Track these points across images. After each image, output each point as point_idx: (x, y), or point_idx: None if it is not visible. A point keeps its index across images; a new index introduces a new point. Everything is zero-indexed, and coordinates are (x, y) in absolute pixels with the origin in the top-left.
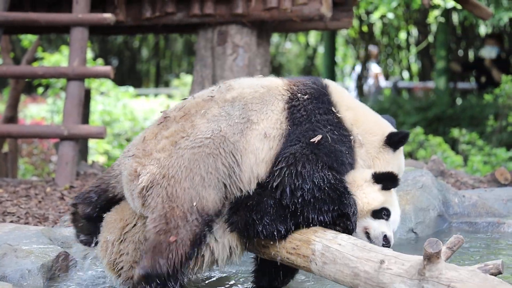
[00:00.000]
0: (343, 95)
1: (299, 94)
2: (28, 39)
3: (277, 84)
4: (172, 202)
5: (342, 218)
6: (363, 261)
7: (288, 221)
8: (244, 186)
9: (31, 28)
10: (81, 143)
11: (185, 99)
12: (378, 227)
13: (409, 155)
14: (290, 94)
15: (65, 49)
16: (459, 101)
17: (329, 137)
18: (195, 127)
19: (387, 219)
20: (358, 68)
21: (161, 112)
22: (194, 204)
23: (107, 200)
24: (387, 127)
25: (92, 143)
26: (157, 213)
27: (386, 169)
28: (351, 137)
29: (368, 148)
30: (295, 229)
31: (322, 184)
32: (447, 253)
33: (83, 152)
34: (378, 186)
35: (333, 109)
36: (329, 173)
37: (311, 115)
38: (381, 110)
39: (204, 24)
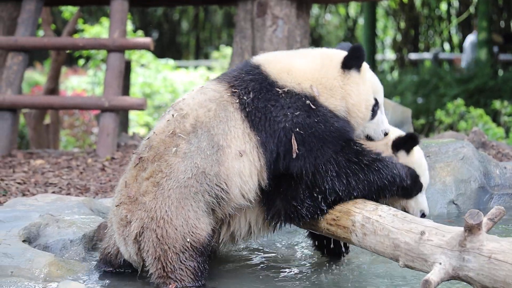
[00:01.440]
0: (276, 63)
1: (244, 97)
2: (69, 11)
3: (220, 91)
4: (163, 244)
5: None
6: (403, 232)
7: (327, 199)
8: (237, 203)
9: (72, 0)
10: (121, 114)
11: (148, 138)
12: (415, 205)
13: (450, 127)
14: (237, 99)
15: (105, 21)
16: (500, 72)
17: (297, 127)
18: (171, 166)
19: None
20: (472, 37)
21: (133, 153)
22: (188, 240)
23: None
24: (331, 56)
25: (132, 115)
26: (152, 257)
27: (360, 95)
28: (310, 95)
29: (332, 90)
30: (335, 204)
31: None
32: (488, 224)
33: (124, 124)
34: (402, 153)
35: (278, 89)
36: (345, 157)
37: (266, 113)
38: (421, 82)
39: None
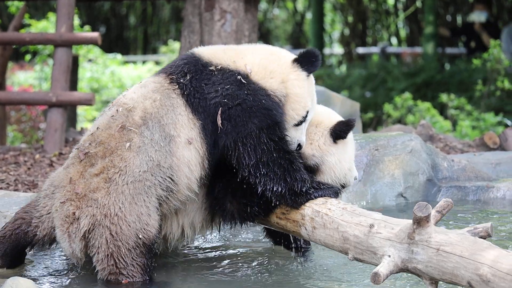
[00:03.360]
0: (211, 47)
1: (181, 80)
2: (15, 6)
3: (160, 82)
4: (117, 241)
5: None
6: (352, 226)
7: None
8: (184, 195)
9: None
10: (69, 110)
11: (91, 134)
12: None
13: (398, 120)
14: (176, 84)
15: (52, 16)
16: (447, 66)
17: (225, 99)
18: (126, 161)
19: None
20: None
21: (76, 149)
22: (140, 236)
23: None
24: (279, 50)
25: (80, 110)
26: (103, 254)
27: (302, 90)
28: (243, 72)
29: (272, 73)
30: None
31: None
32: (437, 217)
33: (72, 119)
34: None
35: (211, 68)
36: (268, 135)
37: (202, 92)
38: (369, 76)
39: None
